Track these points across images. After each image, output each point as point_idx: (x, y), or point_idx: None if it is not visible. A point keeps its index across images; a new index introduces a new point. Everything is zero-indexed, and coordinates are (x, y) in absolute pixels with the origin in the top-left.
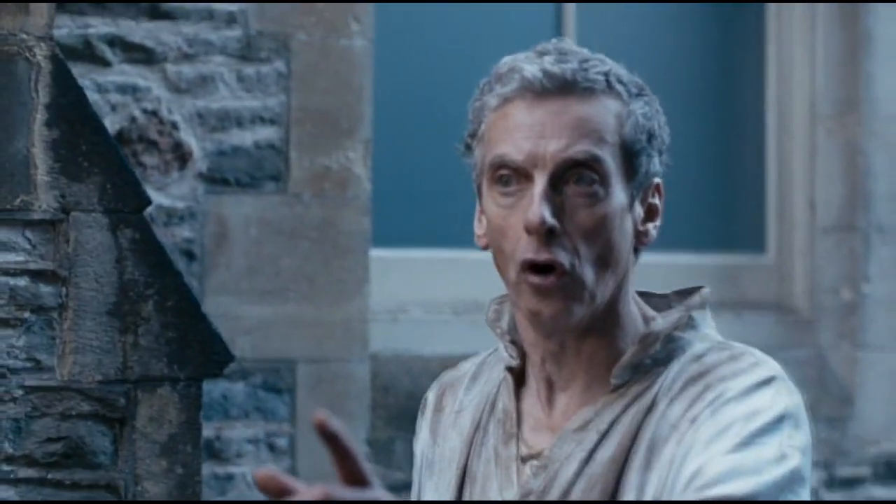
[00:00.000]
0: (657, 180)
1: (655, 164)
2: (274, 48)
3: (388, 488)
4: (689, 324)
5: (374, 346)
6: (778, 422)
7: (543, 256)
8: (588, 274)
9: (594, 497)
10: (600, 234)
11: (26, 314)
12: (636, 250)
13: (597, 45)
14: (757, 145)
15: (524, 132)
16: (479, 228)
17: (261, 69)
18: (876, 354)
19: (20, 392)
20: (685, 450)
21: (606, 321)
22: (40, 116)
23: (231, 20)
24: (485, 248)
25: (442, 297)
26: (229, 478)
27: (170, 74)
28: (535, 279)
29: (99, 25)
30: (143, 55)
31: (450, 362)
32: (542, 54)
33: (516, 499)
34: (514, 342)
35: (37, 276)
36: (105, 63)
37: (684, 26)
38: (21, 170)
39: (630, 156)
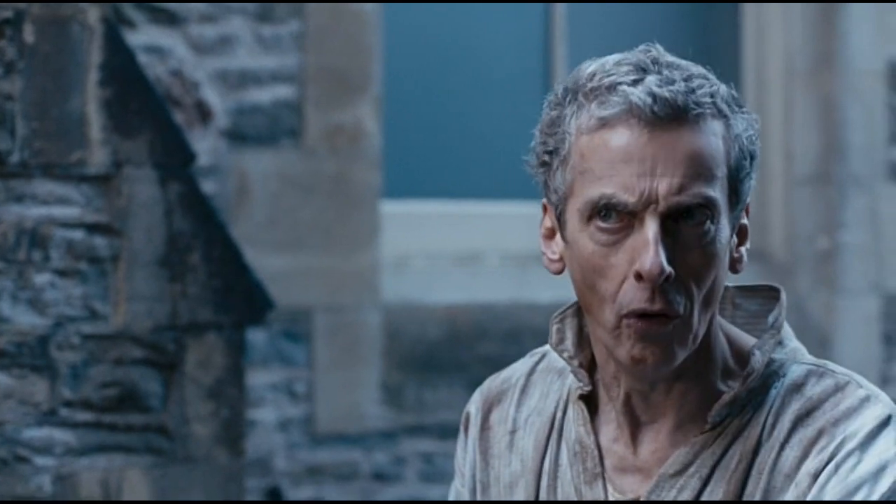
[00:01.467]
0: (747, 200)
1: (751, 185)
2: (290, 9)
3: (400, 430)
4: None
5: (384, 296)
6: None
7: (658, 306)
8: (696, 316)
9: None
10: (710, 273)
11: (82, 265)
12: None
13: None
14: None
15: (634, 168)
16: (549, 249)
17: (278, 30)
18: (852, 300)
19: (77, 339)
20: None
21: (699, 358)
22: (94, 77)
23: None
24: (558, 273)
25: (444, 248)
26: (251, 422)
27: (192, 35)
28: (643, 325)
29: None
30: (166, 17)
31: (454, 310)
32: (642, 70)
33: None
34: (581, 365)
35: (92, 228)
36: (131, 25)
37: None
38: (76, 127)
39: (735, 184)
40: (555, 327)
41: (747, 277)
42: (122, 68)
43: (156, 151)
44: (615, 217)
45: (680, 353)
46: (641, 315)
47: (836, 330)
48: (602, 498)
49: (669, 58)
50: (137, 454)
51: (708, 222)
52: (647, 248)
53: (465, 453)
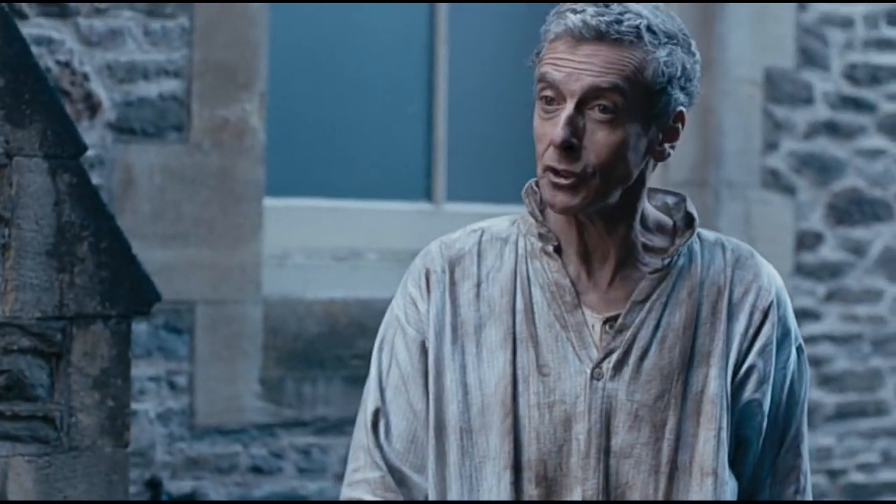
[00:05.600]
0: (681, 109)
1: (677, 99)
2: (178, 4)
3: (279, 424)
4: None
5: (265, 291)
6: None
7: (561, 166)
8: (596, 179)
9: (676, 354)
10: (612, 151)
11: None
12: (656, 162)
13: (466, 4)
14: None
15: (563, 64)
16: None
17: (166, 24)
18: None
19: None
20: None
21: (625, 214)
22: None
23: None
24: None
25: (322, 244)
26: (133, 414)
27: (82, 28)
28: (553, 177)
29: None
30: (57, 9)
31: (331, 307)
32: (585, 7)
33: (601, 356)
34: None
35: None
36: (22, 16)
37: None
38: None
39: (649, 94)
40: (527, 199)
41: None
42: (16, 57)
43: (47, 142)
44: (554, 102)
45: (583, 200)
46: (553, 170)
47: None
48: (582, 320)
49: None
50: (23, 443)
51: (612, 113)
52: (559, 123)
53: (427, 304)
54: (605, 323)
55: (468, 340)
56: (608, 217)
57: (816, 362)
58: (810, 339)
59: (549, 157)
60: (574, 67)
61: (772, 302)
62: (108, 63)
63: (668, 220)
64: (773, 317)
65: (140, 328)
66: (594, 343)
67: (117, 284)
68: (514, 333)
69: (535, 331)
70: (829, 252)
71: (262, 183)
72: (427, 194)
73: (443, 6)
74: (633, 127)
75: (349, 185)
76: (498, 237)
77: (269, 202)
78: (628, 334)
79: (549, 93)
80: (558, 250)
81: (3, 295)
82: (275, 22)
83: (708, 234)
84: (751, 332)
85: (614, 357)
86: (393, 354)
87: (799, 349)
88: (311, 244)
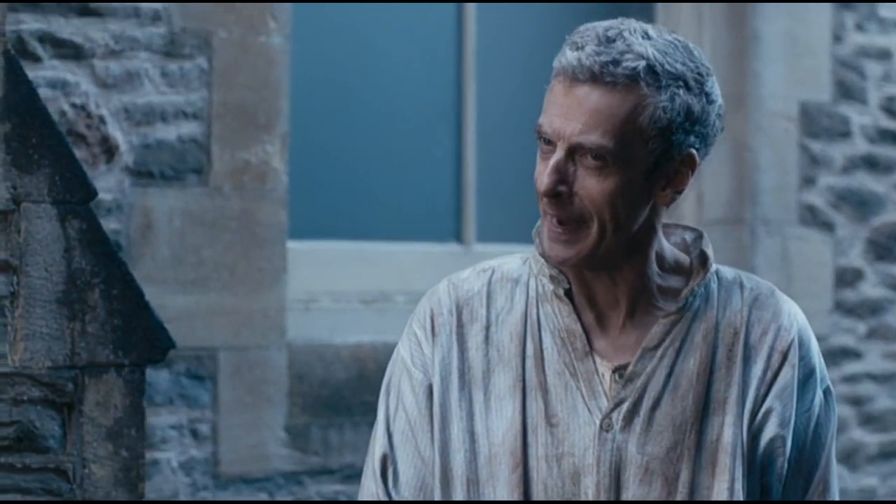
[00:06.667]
0: (690, 152)
1: (681, 143)
2: (196, 45)
3: (306, 472)
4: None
5: (289, 335)
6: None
7: (553, 211)
8: (592, 227)
9: (689, 402)
10: (606, 199)
11: None
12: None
13: (494, 43)
14: None
15: (556, 110)
16: None
17: (184, 65)
18: None
19: None
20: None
21: (634, 258)
22: None
23: (156, 18)
24: None
25: (350, 288)
26: (154, 463)
27: (98, 70)
28: (549, 226)
29: (30, 22)
30: (72, 51)
31: (359, 351)
32: (595, 40)
33: (611, 406)
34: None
35: None
36: (36, 58)
37: (575, 26)
38: None
39: (646, 140)
40: (537, 240)
41: None
42: (22, 101)
43: (56, 187)
44: (549, 141)
45: (579, 252)
46: (549, 215)
47: None
48: (592, 368)
49: (629, 34)
50: (35, 495)
51: (602, 162)
52: (546, 171)
53: (433, 348)
54: (614, 371)
55: (475, 387)
56: (613, 265)
57: (858, 401)
58: (851, 378)
59: (544, 203)
60: (564, 115)
61: (792, 342)
62: (124, 106)
63: (685, 259)
64: (793, 358)
65: (161, 376)
66: (604, 392)
67: (130, 332)
68: (523, 381)
69: (544, 379)
70: (869, 288)
71: (285, 226)
72: (457, 235)
73: (470, 42)
74: (629, 173)
75: (375, 227)
76: (509, 277)
77: (293, 245)
78: (639, 383)
79: (545, 134)
80: (570, 294)
81: (13, 344)
82: (296, 61)
83: (726, 272)
84: (769, 374)
85: (624, 407)
86: (400, 398)
87: (826, 391)
88: (338, 288)
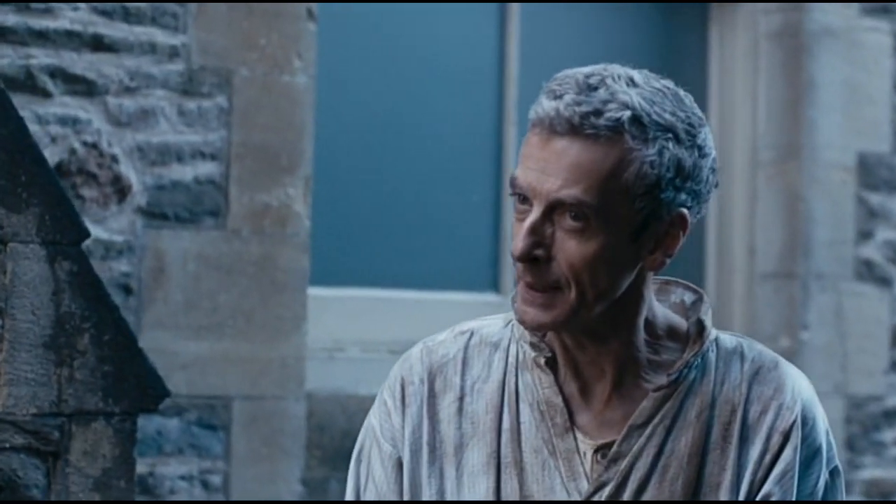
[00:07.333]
0: (681, 211)
1: (671, 201)
2: (216, 83)
3: None
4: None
5: (311, 385)
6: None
7: (527, 279)
8: (571, 293)
9: (678, 487)
10: (586, 264)
11: None
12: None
13: (538, 49)
14: None
15: (532, 164)
16: None
17: (202, 104)
18: None
19: None
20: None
21: (619, 328)
22: None
23: (174, 54)
24: None
25: (378, 337)
26: None
27: (111, 107)
28: (522, 290)
29: (41, 56)
30: (84, 87)
31: None
32: (576, 87)
33: (591, 489)
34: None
35: None
36: (46, 94)
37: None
38: None
39: (631, 199)
40: (513, 305)
41: None
42: (11, 137)
43: (45, 227)
44: (524, 200)
45: (555, 318)
46: (523, 280)
47: None
48: (573, 446)
49: (612, 82)
50: None
51: (583, 223)
52: (521, 232)
53: (402, 419)
54: (596, 451)
55: (447, 462)
56: (596, 334)
57: None
58: None
59: (519, 268)
60: (541, 170)
61: (794, 422)
62: (138, 144)
63: (681, 325)
64: (795, 439)
65: (171, 424)
66: (585, 474)
67: (121, 379)
68: (498, 457)
69: (520, 456)
70: None
71: (306, 272)
72: (494, 284)
73: (511, 83)
74: (613, 235)
75: (405, 275)
76: (488, 341)
77: (317, 292)
78: (624, 464)
79: (520, 189)
80: (552, 363)
81: None
82: (320, 101)
83: (727, 341)
84: (767, 458)
85: (606, 491)
86: (370, 470)
87: (834, 472)
88: (364, 336)
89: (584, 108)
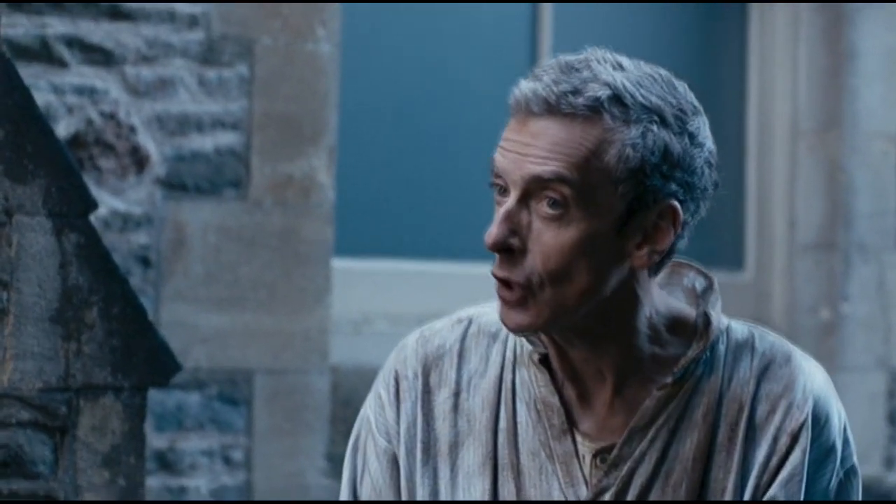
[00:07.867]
0: (671, 202)
1: (658, 190)
2: (237, 52)
3: None
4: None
5: (336, 358)
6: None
7: (501, 273)
8: (546, 291)
9: (682, 493)
10: (562, 256)
11: None
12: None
13: (572, 46)
14: (737, 161)
15: (508, 146)
16: None
17: (223, 73)
18: (855, 375)
19: None
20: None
21: (614, 330)
22: None
23: (193, 22)
24: None
25: (406, 310)
26: (182, 490)
27: (128, 77)
28: (498, 287)
29: (56, 25)
30: (101, 56)
31: None
32: (556, 70)
33: (590, 495)
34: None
35: None
36: (62, 64)
37: (664, 40)
38: None
39: (613, 184)
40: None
41: None
42: (17, 108)
43: (51, 198)
44: (503, 191)
45: (536, 318)
46: (496, 278)
47: None
48: (572, 449)
49: (595, 64)
50: None
51: (562, 208)
52: (496, 219)
53: (397, 415)
54: (596, 454)
55: (441, 461)
56: (587, 334)
57: None
58: None
59: (494, 263)
60: (518, 151)
61: (804, 422)
62: (157, 114)
63: (689, 316)
64: (804, 441)
65: (192, 398)
66: (584, 479)
67: (131, 353)
68: (494, 458)
69: (517, 458)
70: None
71: (330, 244)
72: None
73: (545, 49)
74: (593, 225)
75: (426, 246)
76: (486, 331)
77: (342, 264)
78: (625, 469)
79: (499, 181)
80: (547, 361)
81: (2, 364)
82: (345, 70)
83: (738, 331)
84: (774, 460)
85: (606, 496)
86: (366, 462)
87: (850, 472)
88: (391, 309)
89: (562, 88)
